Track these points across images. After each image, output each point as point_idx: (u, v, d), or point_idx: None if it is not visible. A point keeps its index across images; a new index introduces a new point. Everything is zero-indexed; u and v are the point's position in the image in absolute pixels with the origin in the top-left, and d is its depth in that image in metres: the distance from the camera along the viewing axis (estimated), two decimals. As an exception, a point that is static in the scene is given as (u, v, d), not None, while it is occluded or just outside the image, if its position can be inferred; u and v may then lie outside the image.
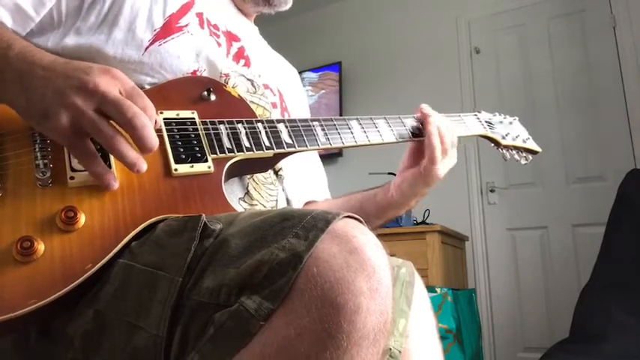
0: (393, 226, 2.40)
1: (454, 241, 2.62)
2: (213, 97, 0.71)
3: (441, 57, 3.30)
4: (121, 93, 0.54)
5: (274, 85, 0.90)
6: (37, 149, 0.57)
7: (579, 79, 2.91)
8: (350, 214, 0.49)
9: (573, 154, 2.84)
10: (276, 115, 0.86)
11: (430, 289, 2.12)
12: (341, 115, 3.52)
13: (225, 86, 0.76)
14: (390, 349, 0.60)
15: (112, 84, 0.53)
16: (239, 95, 0.77)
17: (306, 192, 0.95)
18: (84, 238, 0.52)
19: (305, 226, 0.46)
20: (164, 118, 0.65)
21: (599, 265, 2.12)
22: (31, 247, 0.49)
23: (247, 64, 0.85)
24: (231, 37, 0.85)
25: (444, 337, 2.03)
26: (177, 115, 0.66)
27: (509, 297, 2.89)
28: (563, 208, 2.81)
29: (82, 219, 0.53)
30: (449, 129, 0.87)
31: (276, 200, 0.81)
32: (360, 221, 0.49)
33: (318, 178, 1.03)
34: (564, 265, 2.77)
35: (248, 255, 0.46)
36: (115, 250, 0.52)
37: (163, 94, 0.69)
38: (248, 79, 0.82)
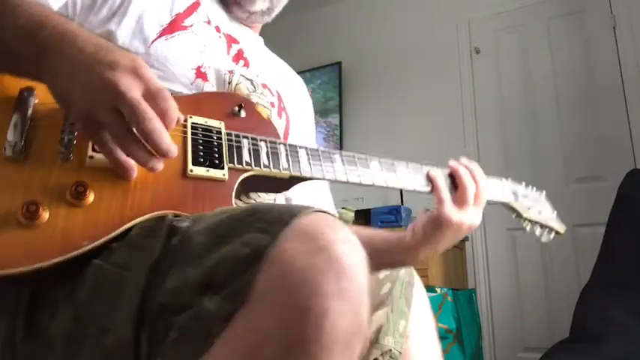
0: (393, 226, 2.40)
1: (454, 241, 2.62)
2: (243, 114, 0.73)
3: (441, 57, 3.30)
4: (143, 93, 0.53)
5: (273, 86, 0.91)
6: (66, 125, 0.59)
7: (579, 79, 2.90)
8: (321, 209, 0.46)
9: (573, 154, 2.84)
10: (273, 114, 0.87)
11: (430, 289, 2.12)
12: (340, 115, 3.54)
13: (256, 105, 0.78)
14: (391, 350, 0.60)
15: (134, 84, 0.52)
16: (268, 117, 0.79)
17: (308, 194, 0.95)
18: (88, 216, 0.54)
19: (269, 220, 0.44)
20: (192, 123, 0.67)
21: (599, 265, 2.12)
22: (36, 212, 0.51)
23: (246, 65, 0.86)
24: (231, 39, 0.87)
25: (444, 337, 2.03)
26: (206, 122, 0.68)
27: (509, 297, 2.89)
28: (563, 208, 2.78)
29: (90, 197, 0.54)
30: (480, 185, 0.81)
31: (274, 201, 0.81)
32: (333, 216, 0.46)
33: (320, 182, 1.03)
34: (564, 265, 2.77)
35: (211, 252, 0.44)
36: (114, 233, 0.53)
37: (197, 103, 0.72)
38: (247, 79, 0.84)
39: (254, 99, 0.81)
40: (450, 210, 0.77)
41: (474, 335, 2.32)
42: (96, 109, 0.52)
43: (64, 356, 0.50)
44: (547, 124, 2.91)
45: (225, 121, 0.70)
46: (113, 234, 0.53)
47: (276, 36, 1.05)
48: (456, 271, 2.60)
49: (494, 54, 3.19)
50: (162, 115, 0.53)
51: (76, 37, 0.55)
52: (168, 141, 0.53)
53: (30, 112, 0.58)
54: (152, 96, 0.53)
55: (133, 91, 0.52)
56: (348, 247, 0.42)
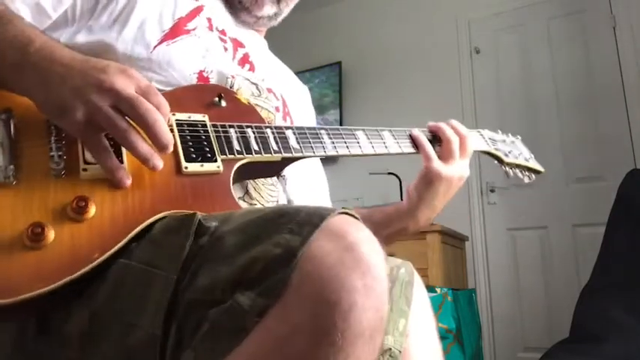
0: (393, 226, 2.40)
1: (454, 241, 2.62)
2: (224, 103, 0.74)
3: (441, 57, 3.31)
4: (136, 91, 0.56)
5: (278, 90, 0.91)
6: (52, 141, 0.59)
7: (579, 79, 2.91)
8: (346, 210, 0.49)
9: (573, 154, 2.84)
10: (278, 118, 0.87)
11: (430, 289, 2.12)
12: (340, 115, 3.54)
13: (235, 93, 0.78)
14: (390, 349, 0.60)
15: (127, 82, 0.55)
16: (249, 102, 0.79)
17: (307, 195, 0.95)
18: (93, 229, 0.53)
19: (299, 222, 0.46)
20: (176, 120, 0.67)
21: (599, 265, 2.12)
22: (41, 233, 0.50)
23: (252, 69, 0.87)
24: (237, 44, 0.87)
25: (444, 337, 2.03)
26: (189, 117, 0.68)
27: (509, 297, 2.90)
28: (563, 208, 2.81)
29: (92, 209, 0.54)
30: (466, 138, 0.86)
31: (277, 201, 0.81)
32: (357, 218, 0.49)
33: (320, 184, 1.04)
34: (564, 265, 2.77)
35: (242, 252, 0.46)
36: (123, 242, 0.53)
37: (176, 98, 0.71)
38: (252, 83, 0.84)
39: (258, 104, 0.81)
40: (437, 164, 0.82)
41: (474, 335, 2.32)
42: (94, 110, 0.53)
43: (81, 353, 0.51)
44: (547, 124, 2.91)
45: (207, 114, 0.70)
46: (122, 242, 0.53)
47: (276, 36, 1.06)
48: (456, 271, 2.60)
49: (494, 54, 3.19)
50: (157, 109, 0.55)
51: (64, 50, 0.59)
52: (169, 132, 0.56)
53: (13, 133, 0.57)
54: (144, 92, 0.56)
55: (129, 88, 0.55)
56: (372, 247, 0.45)
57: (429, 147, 0.84)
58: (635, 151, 2.69)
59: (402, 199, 2.66)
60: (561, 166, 2.85)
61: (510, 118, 3.06)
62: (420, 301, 0.71)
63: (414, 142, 0.86)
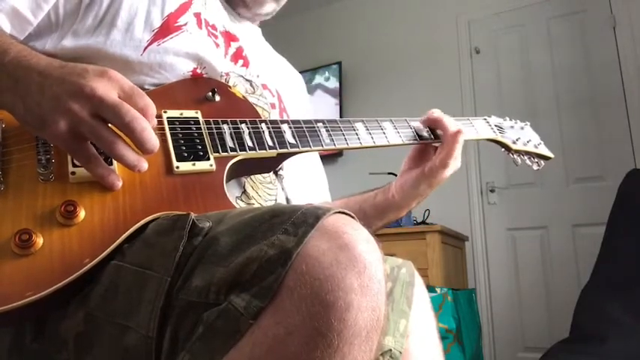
0: (393, 226, 2.40)
1: (454, 241, 2.62)
2: (217, 98, 0.72)
3: (441, 57, 3.30)
4: (120, 95, 0.54)
5: (273, 85, 0.90)
6: (39, 144, 0.58)
7: (579, 79, 2.91)
8: (341, 209, 0.48)
9: (573, 154, 2.84)
10: (274, 115, 0.86)
11: (430, 289, 2.12)
12: (341, 115, 3.53)
13: (230, 87, 0.76)
14: (391, 350, 0.60)
15: (109, 87, 0.53)
16: (243, 96, 0.77)
17: (306, 192, 0.95)
18: (83, 233, 0.52)
19: (294, 222, 0.45)
20: (167, 117, 0.65)
21: (599, 265, 2.12)
22: (29, 240, 0.49)
23: (246, 65, 0.85)
24: (230, 37, 0.84)
25: (444, 337, 2.03)
26: (181, 114, 0.67)
27: (509, 297, 2.89)
28: (563, 208, 2.81)
29: (81, 214, 0.53)
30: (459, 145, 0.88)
31: (275, 199, 0.81)
32: (352, 217, 0.48)
33: (319, 179, 1.03)
34: (564, 265, 2.77)
35: (237, 253, 0.45)
36: (113, 246, 0.52)
37: (168, 94, 0.69)
38: (247, 80, 0.82)
39: (252, 101, 0.80)
40: (448, 172, 0.85)
41: (474, 335, 2.32)
42: (77, 121, 0.51)
43: (75, 355, 0.50)
44: (547, 124, 2.90)
45: (200, 109, 0.69)
46: (112, 246, 0.52)
47: (276, 36, 1.06)
48: (456, 271, 2.60)
49: (494, 54, 3.19)
50: (143, 113, 0.53)
51: (40, 58, 0.56)
52: (155, 137, 0.54)
53: (0, 137, 0.56)
54: (128, 95, 0.54)
55: (111, 93, 0.52)
56: (368, 246, 0.44)
57: (451, 155, 0.85)
58: (635, 151, 2.69)
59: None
60: (561, 166, 2.85)
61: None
62: (421, 301, 0.71)
63: (447, 142, 0.88)
